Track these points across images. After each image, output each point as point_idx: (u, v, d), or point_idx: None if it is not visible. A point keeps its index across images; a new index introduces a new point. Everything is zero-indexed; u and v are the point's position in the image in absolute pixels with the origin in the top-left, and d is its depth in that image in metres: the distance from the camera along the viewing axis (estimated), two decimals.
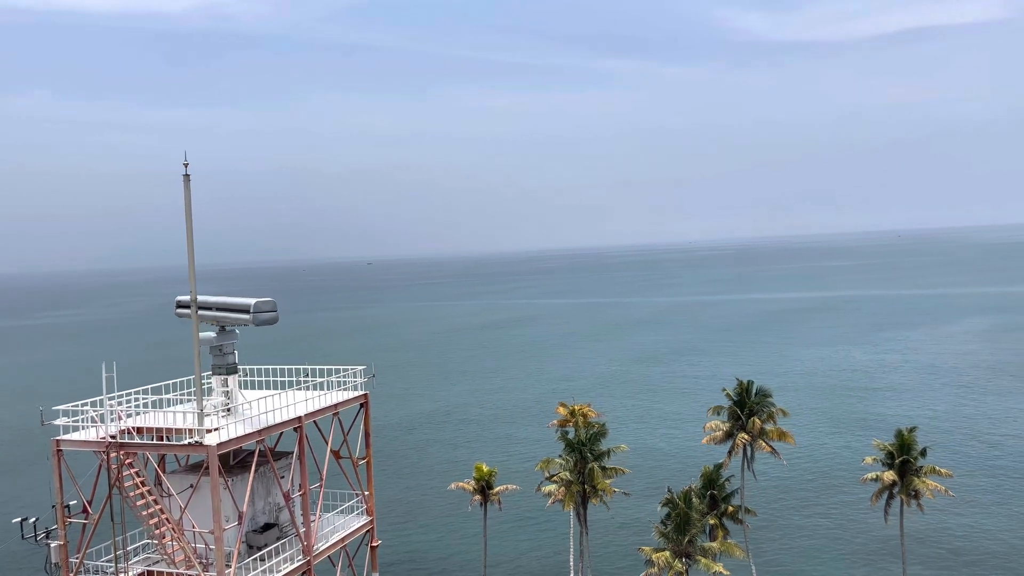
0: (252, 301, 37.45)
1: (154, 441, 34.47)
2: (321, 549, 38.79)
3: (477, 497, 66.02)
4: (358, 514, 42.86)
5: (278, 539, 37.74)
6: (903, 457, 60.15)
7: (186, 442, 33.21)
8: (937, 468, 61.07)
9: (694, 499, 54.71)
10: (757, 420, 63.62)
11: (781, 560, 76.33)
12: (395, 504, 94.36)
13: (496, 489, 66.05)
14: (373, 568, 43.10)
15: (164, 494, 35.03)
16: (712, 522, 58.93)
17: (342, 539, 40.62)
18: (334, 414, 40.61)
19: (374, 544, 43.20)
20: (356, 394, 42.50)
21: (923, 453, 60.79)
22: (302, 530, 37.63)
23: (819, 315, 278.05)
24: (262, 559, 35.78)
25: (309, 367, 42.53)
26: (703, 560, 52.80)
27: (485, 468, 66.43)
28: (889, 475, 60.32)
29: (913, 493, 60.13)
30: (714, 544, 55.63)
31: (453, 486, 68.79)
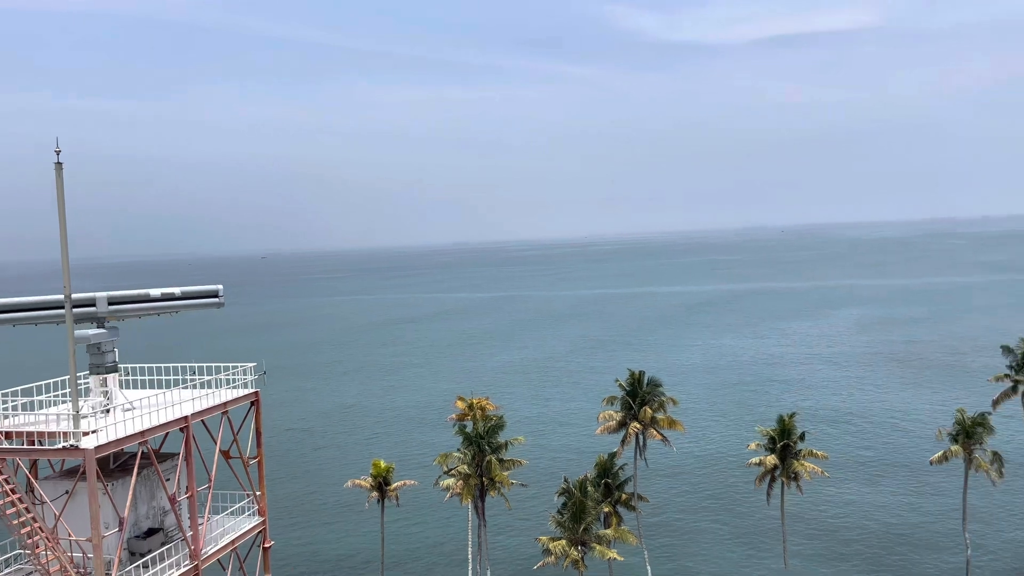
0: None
1: (24, 445, 32.36)
2: (210, 552, 37.50)
3: (374, 494, 65.32)
4: (250, 515, 41.66)
5: (163, 544, 36.22)
6: (784, 442, 63.46)
7: (60, 446, 31.37)
8: (814, 451, 64.66)
9: (589, 488, 56.02)
10: (648, 409, 65.59)
11: (672, 544, 79.12)
12: (290, 504, 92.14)
13: (394, 485, 65.54)
14: (266, 570, 42.01)
15: (37, 501, 33.02)
16: (607, 510, 60.40)
17: (232, 541, 39.39)
18: (223, 413, 39.29)
19: (267, 545, 42.11)
20: (246, 392, 41.27)
21: (802, 437, 64.26)
22: (189, 534, 36.25)
23: (708, 308, 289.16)
24: (146, 566, 34.27)
25: (196, 365, 40.97)
26: (598, 547, 54.17)
27: (383, 464, 65.82)
28: (771, 459, 63.50)
29: (793, 475, 63.55)
30: (608, 531, 57.10)
31: (350, 484, 67.84)
